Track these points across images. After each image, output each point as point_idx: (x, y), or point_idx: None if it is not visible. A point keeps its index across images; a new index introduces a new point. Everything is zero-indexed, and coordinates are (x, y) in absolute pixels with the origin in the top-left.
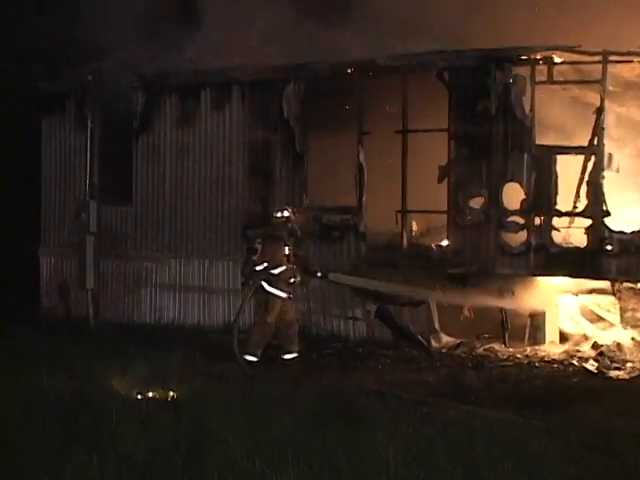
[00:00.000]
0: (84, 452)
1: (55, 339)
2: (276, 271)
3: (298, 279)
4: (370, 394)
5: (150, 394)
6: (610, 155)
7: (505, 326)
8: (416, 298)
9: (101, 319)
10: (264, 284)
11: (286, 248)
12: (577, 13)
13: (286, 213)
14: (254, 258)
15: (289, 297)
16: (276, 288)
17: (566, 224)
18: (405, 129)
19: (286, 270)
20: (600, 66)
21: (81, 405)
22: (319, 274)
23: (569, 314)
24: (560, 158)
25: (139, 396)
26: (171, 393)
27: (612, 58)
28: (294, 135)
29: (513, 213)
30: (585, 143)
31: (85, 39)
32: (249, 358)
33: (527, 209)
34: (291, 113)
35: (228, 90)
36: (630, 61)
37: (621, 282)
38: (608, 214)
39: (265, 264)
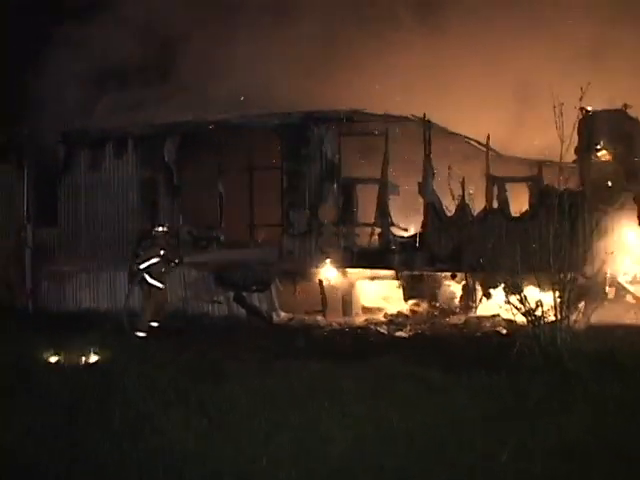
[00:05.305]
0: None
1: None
2: (147, 264)
3: (164, 270)
4: (229, 356)
5: (74, 358)
6: (394, 184)
7: (324, 303)
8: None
9: (37, 308)
10: (147, 277)
11: (162, 251)
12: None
13: (160, 228)
14: (138, 260)
15: (164, 286)
16: (155, 280)
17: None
18: (252, 167)
19: (156, 264)
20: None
21: (21, 368)
22: (176, 261)
23: (368, 293)
24: (361, 186)
25: (62, 359)
26: (87, 358)
27: (391, 119)
28: (173, 174)
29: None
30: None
31: (24, 101)
32: (139, 334)
33: (337, 222)
34: (170, 158)
35: (125, 142)
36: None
37: (402, 271)
38: (392, 224)
39: (145, 263)
